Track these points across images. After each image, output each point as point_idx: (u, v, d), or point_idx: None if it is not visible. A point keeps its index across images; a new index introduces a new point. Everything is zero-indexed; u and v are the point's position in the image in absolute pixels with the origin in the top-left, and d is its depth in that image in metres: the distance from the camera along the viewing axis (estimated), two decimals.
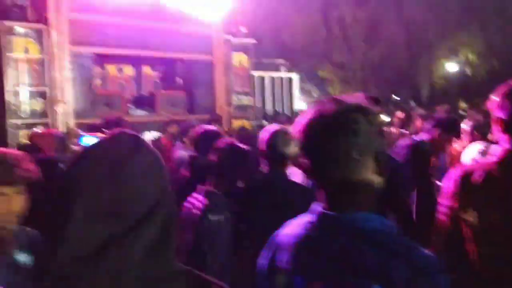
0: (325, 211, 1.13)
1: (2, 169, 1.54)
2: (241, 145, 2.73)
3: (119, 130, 0.97)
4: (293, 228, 1.21)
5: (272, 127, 2.65)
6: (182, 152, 5.16)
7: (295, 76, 11.89)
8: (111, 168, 0.87)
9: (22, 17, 7.20)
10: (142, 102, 8.99)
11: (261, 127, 8.15)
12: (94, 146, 0.95)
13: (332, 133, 1.09)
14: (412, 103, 11.74)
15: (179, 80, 9.74)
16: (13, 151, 1.63)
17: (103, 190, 0.85)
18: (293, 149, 2.57)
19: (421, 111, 7.20)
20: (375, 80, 19.25)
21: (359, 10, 18.98)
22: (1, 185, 1.53)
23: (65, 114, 7.40)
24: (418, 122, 5.88)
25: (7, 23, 6.96)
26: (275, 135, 2.57)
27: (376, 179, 1.11)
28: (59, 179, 0.93)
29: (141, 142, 0.94)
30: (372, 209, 1.11)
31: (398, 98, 19.90)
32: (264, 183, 2.60)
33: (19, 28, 7.08)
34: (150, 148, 0.95)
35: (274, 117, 10.59)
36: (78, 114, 7.55)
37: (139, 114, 8.48)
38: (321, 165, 1.13)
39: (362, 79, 19.59)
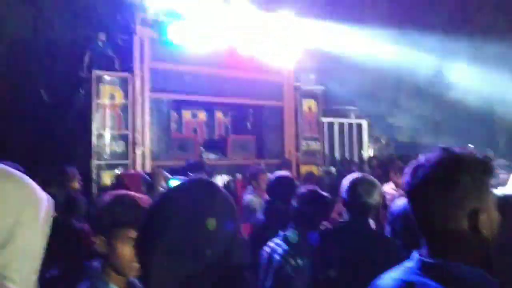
0: (423, 258, 1.15)
1: (135, 212, 1.49)
2: (322, 192, 2.75)
3: (197, 177, 1.05)
4: (394, 273, 1.24)
5: (354, 174, 2.65)
6: (250, 196, 5.23)
7: (364, 122, 11.79)
8: (190, 212, 0.94)
9: (110, 67, 7.85)
10: (214, 146, 9.29)
11: (329, 173, 8.10)
12: (173, 191, 1.02)
13: (431, 183, 1.13)
14: (490, 152, 11.13)
15: (249, 125, 10.00)
16: (136, 194, 1.61)
17: (183, 233, 0.92)
18: (374, 198, 2.54)
19: (501, 161, 6.82)
20: (448, 128, 18.55)
21: (429, 53, 18.62)
22: (132, 229, 1.48)
23: (143, 156, 7.81)
24: (503, 174, 5.57)
25: (97, 72, 7.61)
26: (356, 183, 2.56)
27: (474, 234, 1.11)
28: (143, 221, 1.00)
29: (217, 189, 1.01)
30: (472, 261, 1.11)
31: (472, 146, 18.98)
32: (345, 231, 2.58)
33: (107, 76, 7.70)
34: (226, 195, 1.02)
35: (342, 163, 10.48)
36: (154, 156, 7.94)
37: (210, 157, 8.75)
38: (421, 212, 1.17)
39: (433, 126, 18.96)
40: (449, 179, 1.11)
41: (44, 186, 1.12)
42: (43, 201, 1.05)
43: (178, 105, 9.10)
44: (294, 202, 2.74)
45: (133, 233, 1.48)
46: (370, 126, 12.62)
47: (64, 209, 3.10)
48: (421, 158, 1.20)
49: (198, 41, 8.30)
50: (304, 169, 9.17)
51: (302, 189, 2.79)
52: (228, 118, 10.33)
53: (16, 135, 8.99)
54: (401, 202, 3.52)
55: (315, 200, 2.68)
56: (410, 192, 1.19)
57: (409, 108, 19.01)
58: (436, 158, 1.15)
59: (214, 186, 1.02)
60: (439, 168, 1.13)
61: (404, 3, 15.07)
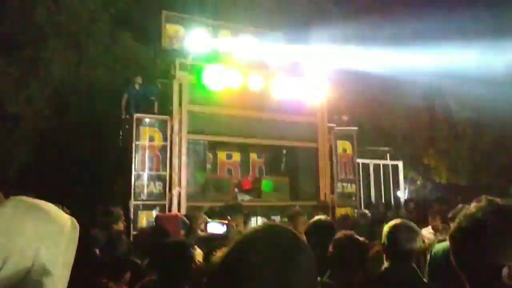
0: None
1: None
2: (360, 238, 2.73)
3: (279, 226, 1.03)
4: None
5: (394, 221, 2.63)
6: None
7: (400, 163, 11.62)
8: (276, 264, 0.91)
9: (150, 110, 8.14)
10: (248, 187, 9.32)
11: (364, 215, 7.95)
12: (255, 239, 0.98)
13: (463, 234, 1.18)
14: None
15: (283, 167, 10.01)
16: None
17: (267, 285, 0.90)
18: (415, 244, 2.51)
19: None
20: (487, 169, 17.93)
21: (464, 94, 18.29)
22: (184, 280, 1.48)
23: (178, 197, 7.92)
24: None
25: (137, 115, 7.90)
26: (396, 229, 2.53)
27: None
28: (218, 269, 0.95)
29: (301, 241, 0.99)
30: None
31: None
32: (386, 278, 2.54)
33: (147, 119, 7.98)
34: (308, 246, 1.00)
35: (378, 206, 10.28)
36: (189, 197, 8.03)
37: (245, 199, 8.77)
38: (457, 260, 1.20)
39: (471, 167, 18.37)
40: (478, 232, 1.14)
41: (87, 227, 1.13)
42: (64, 230, 1.05)
43: (214, 147, 9.25)
44: (330, 248, 2.73)
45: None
46: (405, 167, 12.42)
47: (104, 251, 3.13)
48: (468, 207, 1.24)
49: (233, 84, 8.51)
50: (339, 211, 9.04)
51: (339, 234, 2.78)
52: (262, 159, 10.38)
53: (55, 173, 9.33)
54: (441, 246, 3.44)
55: (352, 245, 2.66)
56: (450, 239, 1.24)
57: (445, 148, 18.58)
58: (474, 209, 1.19)
59: (298, 238, 1.00)
60: (472, 220, 1.17)
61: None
